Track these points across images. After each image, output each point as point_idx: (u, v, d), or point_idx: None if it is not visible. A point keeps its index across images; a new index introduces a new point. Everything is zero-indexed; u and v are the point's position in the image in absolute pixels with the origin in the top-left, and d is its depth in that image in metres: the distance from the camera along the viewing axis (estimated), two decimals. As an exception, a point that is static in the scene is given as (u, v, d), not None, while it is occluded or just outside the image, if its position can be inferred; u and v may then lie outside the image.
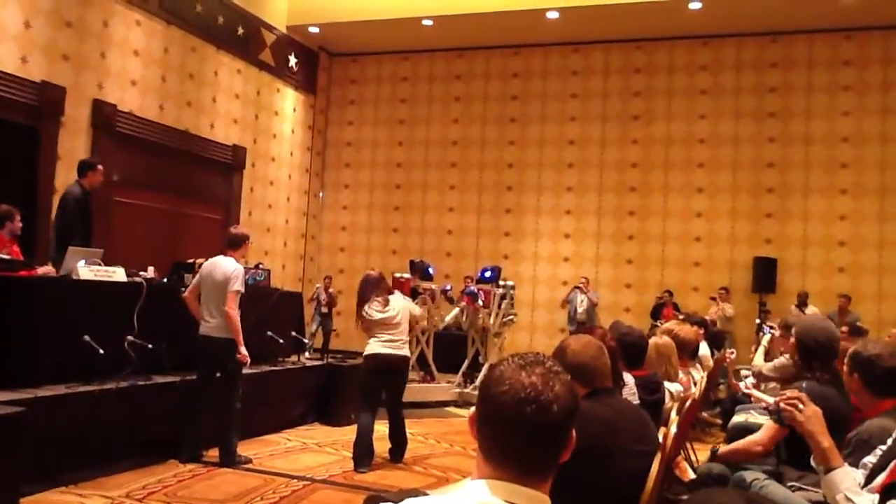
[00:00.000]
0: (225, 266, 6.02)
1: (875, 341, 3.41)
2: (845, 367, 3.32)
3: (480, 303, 10.24)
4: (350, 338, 13.56)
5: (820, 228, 12.79)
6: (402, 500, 1.43)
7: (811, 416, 2.53)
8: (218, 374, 6.11)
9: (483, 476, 1.37)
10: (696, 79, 13.62)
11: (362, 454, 6.10)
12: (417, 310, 7.12)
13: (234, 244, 6.18)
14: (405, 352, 6.47)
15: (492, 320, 10.33)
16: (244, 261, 6.36)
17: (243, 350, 6.00)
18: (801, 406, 2.56)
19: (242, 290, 6.01)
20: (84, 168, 7.27)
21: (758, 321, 10.71)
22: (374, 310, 6.35)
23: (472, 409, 1.47)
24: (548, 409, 1.37)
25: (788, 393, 2.62)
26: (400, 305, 6.46)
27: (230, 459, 5.93)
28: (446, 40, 14.46)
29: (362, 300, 6.43)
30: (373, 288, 6.44)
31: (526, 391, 1.37)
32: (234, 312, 5.91)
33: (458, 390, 9.91)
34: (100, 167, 7.34)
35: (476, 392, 9.32)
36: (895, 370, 3.13)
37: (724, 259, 13.23)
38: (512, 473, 1.36)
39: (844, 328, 9.77)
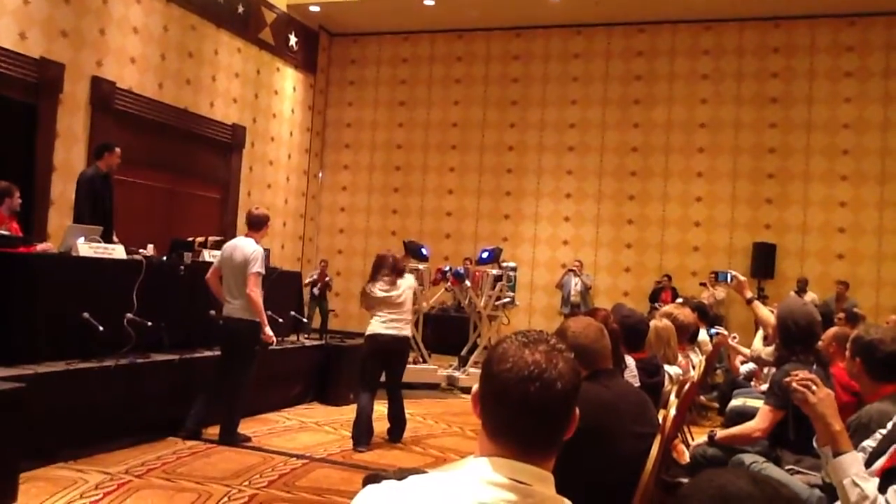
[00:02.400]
0: (245, 247, 6.00)
1: (877, 326, 3.41)
2: (847, 352, 3.32)
3: (468, 283, 10.17)
4: (348, 318, 13.58)
5: (820, 215, 12.80)
6: (401, 478, 1.42)
7: (824, 398, 2.52)
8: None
9: (486, 453, 1.37)
10: (698, 63, 13.57)
11: (361, 433, 6.13)
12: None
13: (255, 225, 6.15)
14: (406, 332, 6.47)
15: (482, 302, 10.25)
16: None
17: (268, 331, 6.04)
18: (814, 388, 2.54)
19: (263, 271, 6.00)
20: (101, 150, 7.48)
21: None
22: (378, 288, 6.34)
23: (476, 386, 1.46)
24: (551, 386, 1.36)
25: (801, 374, 2.61)
26: (406, 286, 6.44)
27: (230, 438, 5.95)
28: (447, 21, 14.38)
29: (371, 279, 6.45)
30: (380, 267, 6.43)
31: (529, 369, 1.36)
32: (256, 294, 5.91)
33: (446, 373, 9.69)
34: (117, 149, 7.45)
35: (465, 377, 9.28)
36: (894, 356, 3.14)
37: (723, 244, 13.24)
38: (515, 451, 1.35)
39: (841, 314, 9.81)
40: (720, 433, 4.10)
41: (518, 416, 1.36)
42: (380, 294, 6.31)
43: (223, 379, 6.05)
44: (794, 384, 2.54)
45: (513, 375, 1.37)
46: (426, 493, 1.31)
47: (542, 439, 1.38)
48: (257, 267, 5.92)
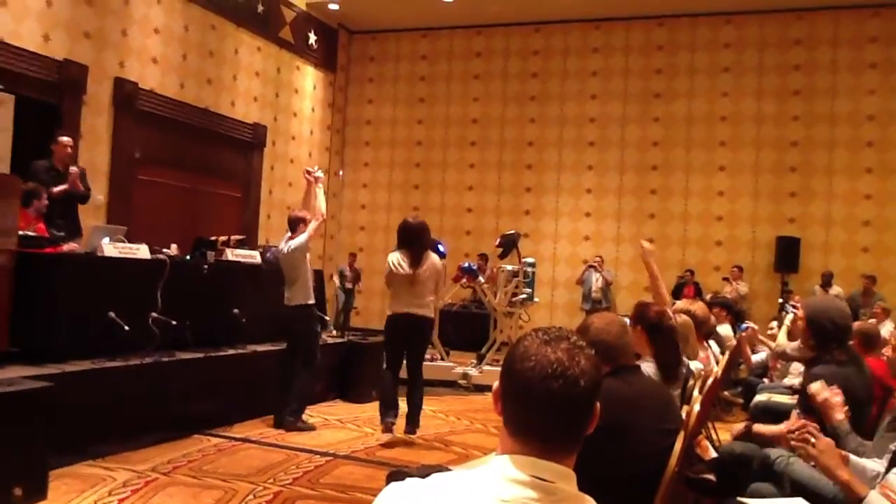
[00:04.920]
0: (290, 242, 6.50)
1: None
2: None
3: (482, 280, 10.08)
4: (370, 316, 13.63)
5: (844, 208, 12.66)
6: (425, 475, 1.44)
7: (824, 450, 2.51)
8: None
9: (508, 451, 1.37)
10: (719, 56, 13.47)
11: (388, 406, 6.15)
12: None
13: (293, 227, 6.56)
14: (425, 312, 6.29)
15: (496, 298, 10.14)
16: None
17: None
18: (812, 440, 2.54)
19: (307, 237, 6.45)
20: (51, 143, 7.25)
21: (780, 300, 10.64)
22: (397, 263, 6.20)
23: (496, 383, 1.46)
24: (574, 384, 1.36)
25: (796, 425, 2.62)
26: (428, 263, 6.25)
27: (282, 422, 6.36)
28: (466, 17, 14.38)
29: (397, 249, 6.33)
30: (404, 240, 6.28)
31: (552, 367, 1.36)
32: (313, 228, 6.45)
33: (462, 370, 9.49)
34: (61, 139, 7.15)
35: (480, 374, 9.21)
36: None
37: (746, 238, 13.14)
38: (537, 448, 1.35)
39: (877, 309, 9.77)
40: (757, 426, 4.06)
41: (541, 413, 1.36)
42: (399, 270, 6.17)
43: (286, 366, 6.53)
44: (793, 443, 2.54)
45: (535, 374, 1.37)
46: (448, 491, 1.32)
47: (564, 436, 1.38)
48: (302, 240, 6.42)
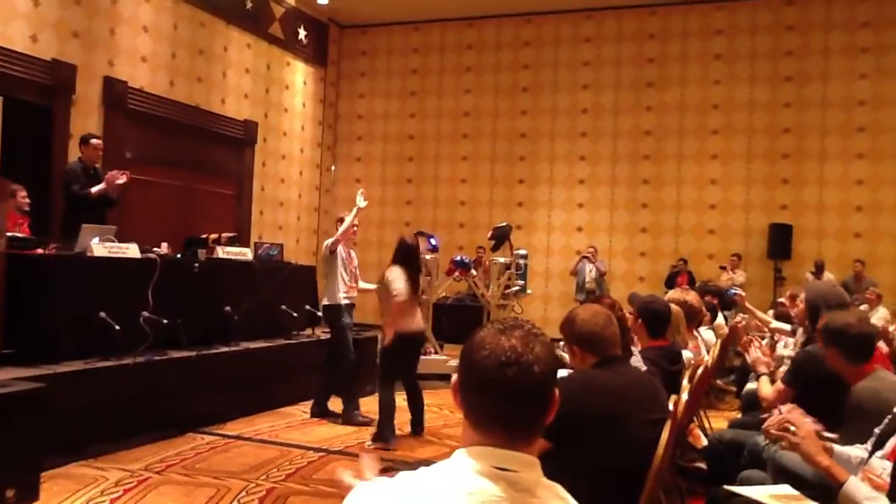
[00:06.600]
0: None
1: (842, 312, 3.52)
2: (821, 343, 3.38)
3: (474, 273, 10.09)
4: (364, 310, 13.59)
5: (836, 194, 12.67)
6: (411, 469, 1.44)
7: (805, 437, 2.54)
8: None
9: (471, 443, 1.38)
10: (711, 44, 13.45)
11: (393, 431, 6.07)
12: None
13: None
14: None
15: (489, 291, 10.15)
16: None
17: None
18: (792, 428, 2.57)
19: (333, 240, 6.74)
20: (80, 143, 7.35)
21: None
22: (406, 284, 6.13)
23: (455, 376, 1.46)
24: (529, 370, 1.36)
25: (779, 415, 2.64)
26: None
27: (319, 411, 6.82)
28: (457, 9, 14.35)
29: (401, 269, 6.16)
30: (410, 260, 6.28)
31: (506, 354, 1.37)
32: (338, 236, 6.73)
33: (456, 363, 9.56)
34: (93, 141, 7.20)
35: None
36: (865, 335, 3.25)
37: (740, 226, 13.15)
38: (499, 438, 1.36)
39: (870, 295, 9.77)
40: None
41: (498, 402, 1.37)
42: (407, 292, 6.09)
43: (328, 357, 7.02)
44: (771, 431, 2.56)
45: (491, 362, 1.37)
46: (416, 489, 1.33)
47: (523, 424, 1.38)
48: (329, 240, 6.82)
